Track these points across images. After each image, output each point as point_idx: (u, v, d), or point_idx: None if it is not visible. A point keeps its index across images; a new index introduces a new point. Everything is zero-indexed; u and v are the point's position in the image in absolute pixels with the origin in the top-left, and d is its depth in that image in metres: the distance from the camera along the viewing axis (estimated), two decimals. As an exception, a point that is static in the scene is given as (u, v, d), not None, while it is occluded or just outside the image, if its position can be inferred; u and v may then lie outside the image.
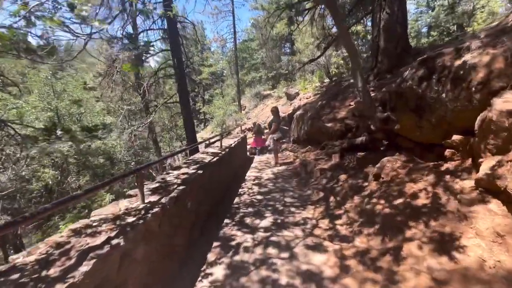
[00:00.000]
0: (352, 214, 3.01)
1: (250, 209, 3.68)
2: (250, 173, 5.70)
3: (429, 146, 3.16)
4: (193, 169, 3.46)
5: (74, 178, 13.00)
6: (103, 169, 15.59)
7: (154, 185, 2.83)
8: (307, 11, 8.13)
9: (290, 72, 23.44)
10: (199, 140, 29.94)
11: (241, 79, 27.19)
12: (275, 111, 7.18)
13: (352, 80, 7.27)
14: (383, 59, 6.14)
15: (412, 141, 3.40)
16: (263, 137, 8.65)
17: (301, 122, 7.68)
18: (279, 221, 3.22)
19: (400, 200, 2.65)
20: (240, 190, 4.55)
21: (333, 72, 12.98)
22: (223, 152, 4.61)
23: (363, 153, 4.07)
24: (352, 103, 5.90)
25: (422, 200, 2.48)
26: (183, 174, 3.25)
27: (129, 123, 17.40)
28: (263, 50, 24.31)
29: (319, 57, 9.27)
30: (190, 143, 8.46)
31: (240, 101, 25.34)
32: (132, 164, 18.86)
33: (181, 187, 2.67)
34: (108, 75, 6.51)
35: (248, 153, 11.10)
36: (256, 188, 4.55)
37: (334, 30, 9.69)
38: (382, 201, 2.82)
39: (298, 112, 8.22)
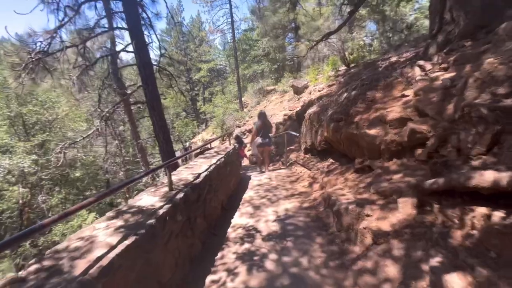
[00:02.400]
0: None
1: None
2: (239, 219, 3.36)
3: None
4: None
5: (44, 197, 11.05)
6: (82, 182, 13.62)
7: None
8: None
9: (295, 63, 20.87)
10: (194, 143, 27.23)
11: (242, 74, 24.80)
12: (261, 114, 6.16)
13: (393, 58, 4.80)
14: (458, 15, 3.66)
15: None
16: (242, 148, 7.67)
17: (316, 124, 5.30)
18: None
19: None
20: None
21: (351, 58, 10.44)
22: (161, 211, 2.19)
23: (491, 211, 1.69)
24: (408, 93, 3.48)
25: None
26: None
27: (113, 129, 15.40)
28: (265, 39, 21.78)
29: (342, 25, 6.79)
30: (166, 158, 6.21)
31: (241, 98, 22.98)
32: (120, 174, 16.90)
33: None
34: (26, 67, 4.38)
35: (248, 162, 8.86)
36: (240, 277, 2.21)
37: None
38: None
39: (311, 110, 5.83)
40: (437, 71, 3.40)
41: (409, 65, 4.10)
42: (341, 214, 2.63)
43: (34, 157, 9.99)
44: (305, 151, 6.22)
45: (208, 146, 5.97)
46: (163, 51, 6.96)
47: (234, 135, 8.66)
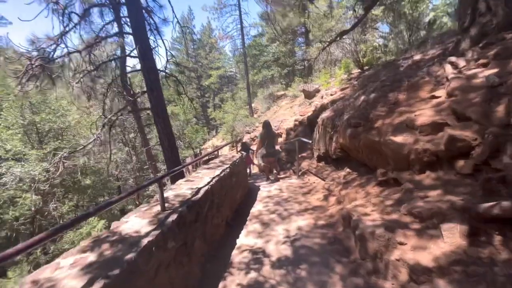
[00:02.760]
0: None
1: None
2: (245, 239, 2.97)
3: None
4: None
5: (55, 204, 11.08)
6: (93, 189, 13.66)
7: None
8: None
9: (305, 68, 20.49)
10: (204, 149, 27.22)
11: (252, 80, 24.67)
12: (266, 124, 5.93)
13: (417, 56, 4.32)
14: (496, 5, 3.18)
15: None
16: (250, 155, 7.60)
17: (330, 130, 4.87)
18: None
19: None
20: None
21: (365, 60, 9.96)
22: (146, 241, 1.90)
23: None
24: (439, 93, 3.01)
25: None
26: None
27: (124, 135, 15.49)
28: (274, 44, 21.58)
29: (356, 24, 6.39)
30: (171, 166, 5.95)
31: (251, 104, 22.79)
32: (130, 181, 16.91)
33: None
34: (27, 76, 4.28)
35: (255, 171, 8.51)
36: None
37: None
38: None
39: (325, 115, 5.41)
40: (474, 68, 2.93)
41: (437, 63, 3.63)
42: (365, 239, 2.19)
43: (45, 164, 10.06)
44: (318, 159, 5.78)
45: (216, 153, 5.68)
46: (170, 56, 6.78)
47: (241, 143, 8.48)
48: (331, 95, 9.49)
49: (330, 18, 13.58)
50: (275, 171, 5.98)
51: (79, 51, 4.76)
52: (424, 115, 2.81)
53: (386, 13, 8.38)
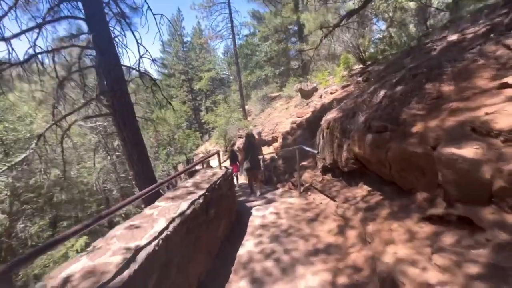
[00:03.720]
0: None
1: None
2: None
3: None
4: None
5: (23, 224, 9.78)
6: (70, 205, 12.31)
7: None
8: None
9: (301, 66, 19.53)
10: (196, 155, 25.99)
11: (245, 82, 23.65)
12: (249, 136, 5.59)
13: (452, 37, 3.30)
14: None
15: None
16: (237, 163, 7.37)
17: (339, 135, 3.82)
18: None
19: None
20: None
21: (367, 54, 9.02)
22: None
23: None
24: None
25: None
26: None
27: (106, 143, 14.22)
28: (267, 42, 20.62)
29: (366, 3, 5.39)
30: (143, 185, 4.83)
31: (244, 106, 21.73)
32: (114, 192, 15.58)
33: None
34: None
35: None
36: None
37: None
38: None
39: (330, 116, 4.36)
40: None
41: (491, 41, 2.61)
42: None
43: (4, 179, 8.81)
44: (324, 170, 4.72)
45: (202, 165, 4.58)
46: (143, 51, 5.66)
47: (229, 150, 7.81)
48: (332, 93, 8.49)
49: (325, 11, 12.65)
50: (257, 184, 5.53)
51: (5, 39, 3.60)
52: (503, 113, 1.77)
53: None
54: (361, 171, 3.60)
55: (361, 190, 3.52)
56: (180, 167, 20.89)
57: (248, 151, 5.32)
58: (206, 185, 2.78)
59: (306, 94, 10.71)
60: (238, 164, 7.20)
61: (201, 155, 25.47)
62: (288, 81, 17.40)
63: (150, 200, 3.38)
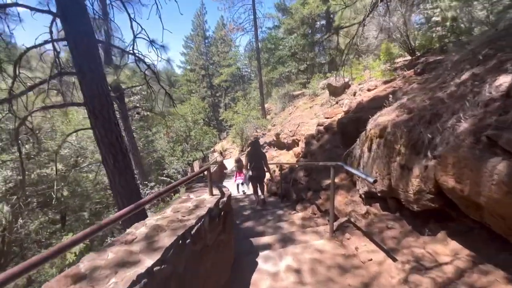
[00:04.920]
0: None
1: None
2: None
3: None
4: None
5: (23, 220, 9.29)
6: (73, 201, 11.77)
7: None
8: None
9: (328, 61, 17.69)
10: (214, 152, 25.25)
11: (266, 79, 22.25)
12: (254, 143, 5.43)
13: None
14: None
15: None
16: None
17: (406, 150, 2.34)
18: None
19: None
20: None
21: (417, 43, 7.25)
22: None
23: None
24: None
25: None
26: None
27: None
28: (292, 36, 19.05)
29: None
30: (122, 199, 3.69)
31: (264, 104, 20.38)
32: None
33: None
34: None
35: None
36: None
37: None
38: None
39: (386, 118, 2.87)
40: None
41: None
42: None
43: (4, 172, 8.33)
44: (367, 197, 3.24)
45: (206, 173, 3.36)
46: (138, 29, 4.53)
47: (236, 160, 7.34)
48: (370, 90, 6.86)
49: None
50: (260, 194, 5.43)
51: None
52: None
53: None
54: (443, 211, 2.12)
55: (445, 246, 2.04)
56: (196, 165, 20.06)
57: (252, 158, 5.14)
58: (182, 231, 1.49)
59: (336, 91, 9.10)
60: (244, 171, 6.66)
61: (215, 154, 24.56)
62: (313, 77, 15.73)
63: (131, 220, 2.27)
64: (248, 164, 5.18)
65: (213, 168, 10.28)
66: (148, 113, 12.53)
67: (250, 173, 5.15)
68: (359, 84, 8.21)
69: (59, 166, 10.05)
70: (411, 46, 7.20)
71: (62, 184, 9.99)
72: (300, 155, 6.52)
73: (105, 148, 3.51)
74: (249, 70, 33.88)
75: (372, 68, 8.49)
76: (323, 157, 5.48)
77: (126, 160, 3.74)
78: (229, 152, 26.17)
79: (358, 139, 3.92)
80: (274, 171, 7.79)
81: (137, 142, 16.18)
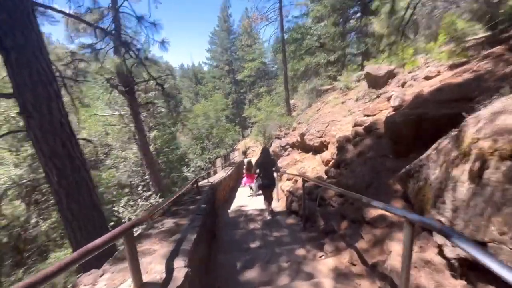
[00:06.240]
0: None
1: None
2: None
3: None
4: None
5: (37, 219, 9.07)
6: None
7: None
8: None
9: (364, 49, 15.43)
10: (237, 150, 24.43)
11: (292, 72, 20.53)
12: (263, 151, 5.20)
13: None
14: None
15: None
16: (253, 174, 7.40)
17: None
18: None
19: None
20: None
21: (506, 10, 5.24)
22: None
23: None
24: None
25: None
26: None
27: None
28: (321, 24, 17.12)
29: None
30: (72, 232, 2.61)
31: (288, 99, 18.75)
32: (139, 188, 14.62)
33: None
34: None
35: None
36: None
37: None
38: None
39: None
40: None
41: None
42: None
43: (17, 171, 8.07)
44: (465, 267, 1.71)
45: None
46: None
47: (246, 162, 7.86)
48: (428, 78, 5.08)
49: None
50: (269, 202, 5.17)
51: None
52: None
53: None
54: None
55: None
56: (218, 163, 19.18)
57: (262, 167, 5.05)
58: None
59: (376, 82, 7.32)
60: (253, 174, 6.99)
61: (236, 153, 23.59)
62: (347, 67, 13.78)
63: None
64: (258, 173, 5.11)
65: (216, 176, 9.16)
66: (163, 109, 11.81)
67: (260, 181, 5.10)
68: (410, 72, 6.38)
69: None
70: (492, 16, 5.21)
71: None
72: (330, 164, 5.01)
73: (45, 159, 2.45)
74: (274, 66, 32.29)
75: (429, 50, 6.57)
76: (364, 170, 3.94)
77: (79, 175, 2.65)
78: (252, 150, 25.08)
79: (431, 151, 2.38)
80: (296, 180, 6.37)
81: (156, 141, 15.74)
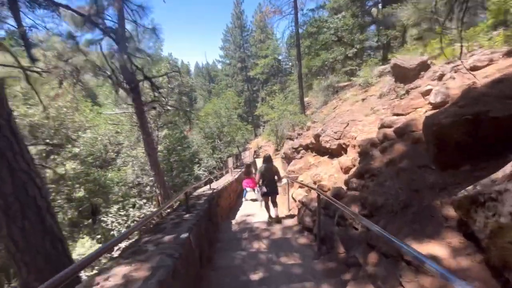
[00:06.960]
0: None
1: None
2: None
3: None
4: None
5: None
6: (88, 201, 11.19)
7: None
8: None
9: (385, 42, 14.12)
10: (248, 149, 23.93)
11: (307, 67, 19.51)
12: (265, 159, 5.35)
13: None
14: None
15: None
16: (253, 176, 7.94)
17: None
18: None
19: None
20: None
21: None
22: None
23: None
24: None
25: None
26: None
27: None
28: (338, 15, 16.02)
29: None
30: (24, 266, 1.98)
31: (303, 97, 17.82)
32: (147, 188, 14.31)
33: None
34: None
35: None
36: None
37: None
38: None
39: None
40: None
41: None
42: None
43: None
44: None
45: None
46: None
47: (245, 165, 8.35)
48: (475, 68, 4.12)
49: None
50: (274, 209, 5.23)
51: None
52: None
53: None
54: None
55: None
56: (230, 162, 18.63)
57: (264, 175, 5.09)
58: None
59: (406, 75, 6.32)
60: (253, 177, 7.17)
61: (247, 153, 22.95)
62: (367, 61, 12.69)
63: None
64: (261, 181, 5.11)
65: (221, 181, 8.53)
66: (170, 108, 11.36)
67: (264, 189, 5.10)
68: (448, 63, 5.37)
69: (75, 165, 9.50)
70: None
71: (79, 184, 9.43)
72: (351, 173, 4.18)
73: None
74: (288, 63, 31.23)
75: (469, 37, 5.53)
76: (397, 184, 3.10)
77: (25, 193, 2.05)
78: (264, 149, 24.35)
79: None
80: (310, 189, 5.59)
81: (165, 140, 15.39)
